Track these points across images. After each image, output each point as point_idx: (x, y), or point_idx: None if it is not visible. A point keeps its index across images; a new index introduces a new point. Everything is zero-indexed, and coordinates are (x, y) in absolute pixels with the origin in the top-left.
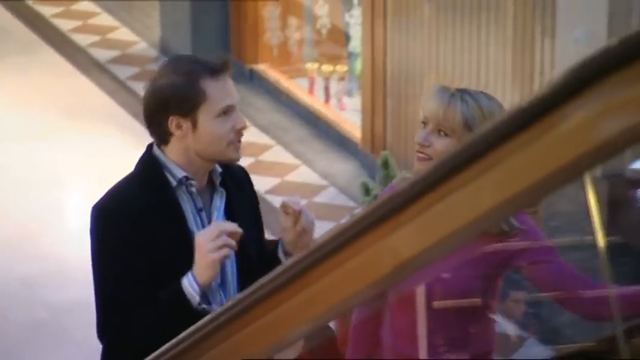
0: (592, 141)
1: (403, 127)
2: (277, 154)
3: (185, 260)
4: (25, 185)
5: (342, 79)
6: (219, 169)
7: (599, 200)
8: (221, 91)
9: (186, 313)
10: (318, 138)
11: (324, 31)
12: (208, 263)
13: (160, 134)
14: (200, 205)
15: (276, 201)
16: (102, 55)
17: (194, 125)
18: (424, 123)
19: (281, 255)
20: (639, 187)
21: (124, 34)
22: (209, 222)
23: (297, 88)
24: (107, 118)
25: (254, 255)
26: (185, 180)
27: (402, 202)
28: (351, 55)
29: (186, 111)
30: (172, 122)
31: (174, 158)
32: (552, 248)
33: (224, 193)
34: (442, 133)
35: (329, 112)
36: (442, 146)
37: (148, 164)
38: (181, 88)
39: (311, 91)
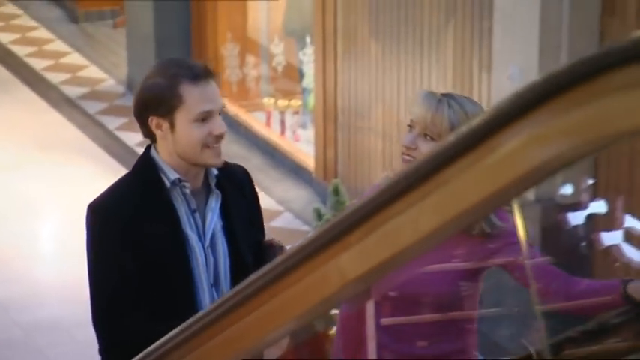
0: (523, 167)
1: (353, 157)
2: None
3: (177, 260)
4: (1, 213)
5: (296, 112)
6: (215, 172)
7: (534, 223)
8: (199, 96)
9: None
10: (275, 167)
11: (279, 68)
12: None
13: (145, 133)
14: (194, 206)
15: None
16: (73, 91)
17: (172, 127)
18: (410, 127)
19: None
20: (569, 211)
21: (93, 71)
22: (203, 223)
23: (254, 121)
24: (78, 151)
25: (248, 256)
26: (178, 182)
27: (348, 225)
28: (304, 91)
29: (164, 112)
30: (152, 122)
31: (166, 159)
32: (533, 246)
33: (220, 195)
34: (428, 137)
35: (284, 143)
36: (428, 150)
37: (144, 165)
38: (161, 90)
39: (268, 123)
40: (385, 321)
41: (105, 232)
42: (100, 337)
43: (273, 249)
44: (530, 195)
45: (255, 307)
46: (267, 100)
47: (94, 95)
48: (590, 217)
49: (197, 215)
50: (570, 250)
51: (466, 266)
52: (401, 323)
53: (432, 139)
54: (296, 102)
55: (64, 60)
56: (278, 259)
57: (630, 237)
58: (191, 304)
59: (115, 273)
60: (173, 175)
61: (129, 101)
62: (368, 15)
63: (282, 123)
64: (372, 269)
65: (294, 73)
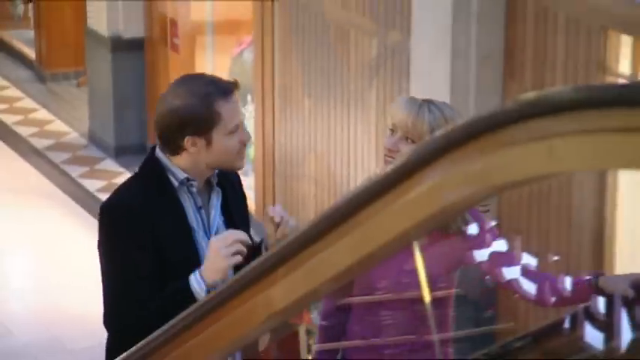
0: (430, 209)
1: (289, 201)
2: None
3: (185, 254)
4: None
5: None
6: (217, 170)
7: None
8: (232, 110)
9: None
10: None
11: None
12: (221, 267)
13: (173, 149)
14: (200, 203)
15: None
16: (40, 143)
17: (208, 143)
18: (392, 130)
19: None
20: (475, 248)
21: (58, 125)
22: (208, 218)
23: None
24: (45, 196)
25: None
26: (186, 181)
27: (274, 263)
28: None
29: (203, 132)
30: (188, 142)
31: (180, 164)
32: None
33: (220, 193)
34: (409, 140)
35: None
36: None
37: (151, 166)
38: (198, 111)
39: None
40: (366, 319)
41: (116, 229)
42: (109, 330)
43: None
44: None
45: (199, 332)
46: None
47: (59, 147)
48: (493, 254)
49: (202, 212)
50: (477, 284)
51: (445, 263)
52: (383, 322)
53: (413, 141)
54: None
55: (32, 115)
56: (215, 291)
57: (526, 272)
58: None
59: (126, 269)
60: (182, 175)
61: (90, 152)
62: (302, 76)
63: None
64: (295, 301)
65: None
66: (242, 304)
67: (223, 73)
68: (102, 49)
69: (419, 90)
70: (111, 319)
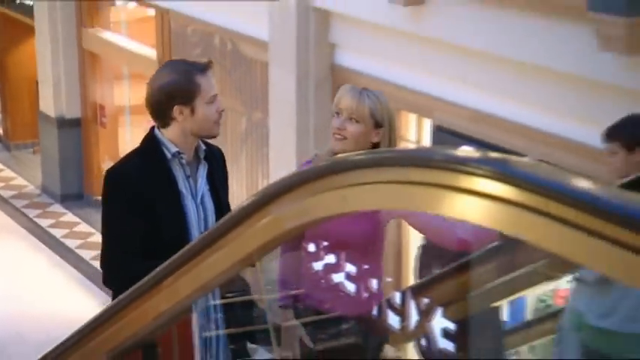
0: (277, 231)
1: None
2: None
3: (175, 213)
4: None
5: None
6: (204, 147)
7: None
8: (209, 83)
9: None
10: None
11: None
12: None
13: (164, 121)
14: (188, 173)
15: None
16: (6, 194)
17: (192, 111)
18: (337, 113)
19: None
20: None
21: (19, 181)
22: (195, 186)
23: None
24: (9, 232)
25: (226, 211)
26: (177, 154)
27: (160, 277)
28: None
29: (187, 100)
30: (176, 110)
31: (171, 137)
32: None
33: (206, 165)
34: (354, 120)
35: None
36: (354, 129)
37: (150, 141)
38: (182, 84)
39: None
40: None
41: (116, 192)
42: (106, 273)
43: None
44: None
45: (103, 332)
46: None
47: (20, 196)
48: None
49: (191, 180)
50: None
51: (375, 219)
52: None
53: (357, 121)
54: None
55: (1, 174)
56: (117, 299)
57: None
58: None
59: (122, 225)
60: (174, 149)
61: (43, 199)
62: None
63: None
64: (176, 304)
65: None
66: (136, 308)
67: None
68: (50, 126)
69: (276, 155)
70: (102, 260)
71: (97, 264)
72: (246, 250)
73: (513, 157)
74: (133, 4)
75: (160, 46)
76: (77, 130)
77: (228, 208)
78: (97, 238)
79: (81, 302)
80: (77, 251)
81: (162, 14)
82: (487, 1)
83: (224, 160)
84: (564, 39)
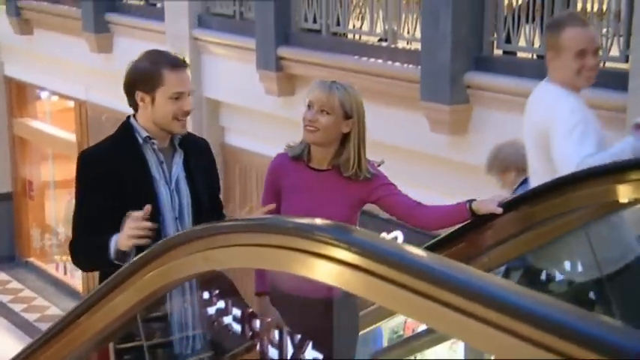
0: (164, 281)
1: None
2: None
3: (146, 197)
4: None
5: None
6: (179, 136)
7: None
8: (175, 79)
9: (105, 259)
10: (62, 290)
11: (62, 237)
12: (124, 243)
13: (131, 103)
14: (161, 159)
15: None
16: None
17: (152, 101)
18: (309, 106)
19: None
20: None
21: None
22: (169, 172)
23: (51, 268)
24: None
25: (205, 197)
26: (148, 139)
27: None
28: None
29: (147, 89)
30: (138, 95)
31: (142, 123)
32: (394, 185)
33: (182, 153)
34: (324, 112)
35: (68, 280)
36: (325, 121)
37: (124, 128)
38: (146, 72)
39: (57, 269)
40: None
41: (86, 174)
42: (70, 253)
43: None
44: None
45: (48, 349)
46: (58, 257)
47: None
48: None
49: (164, 166)
50: None
51: (352, 201)
52: None
53: (328, 113)
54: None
55: None
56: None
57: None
58: (158, 233)
59: (90, 206)
60: (144, 134)
61: None
62: None
63: (64, 267)
64: (92, 336)
65: None
66: (70, 332)
67: (61, 213)
68: None
69: None
70: (71, 242)
71: (27, 315)
72: (125, 307)
73: (354, 228)
74: (55, 97)
75: (78, 132)
76: (9, 202)
77: (218, 199)
78: (28, 293)
79: (11, 349)
80: (9, 305)
81: (80, 105)
82: None
83: (209, 151)
84: (403, 122)
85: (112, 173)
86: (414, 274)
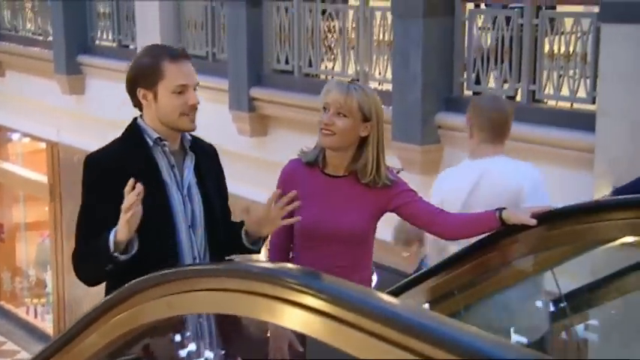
0: (134, 324)
1: None
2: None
3: (159, 203)
4: None
5: (43, 305)
6: (189, 137)
7: None
8: (177, 71)
9: (106, 256)
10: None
11: (33, 282)
12: (122, 227)
13: (135, 102)
14: (172, 162)
15: None
16: None
17: (155, 97)
18: (325, 108)
19: (243, 235)
20: None
21: None
22: (181, 176)
23: (21, 312)
24: None
25: (217, 204)
26: (159, 141)
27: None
28: (47, 294)
29: (149, 85)
30: (140, 93)
31: (150, 124)
32: (414, 191)
33: (194, 157)
34: (341, 114)
35: (38, 323)
36: (342, 124)
37: (131, 129)
38: (146, 67)
39: (27, 312)
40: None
41: (91, 178)
42: (72, 263)
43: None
44: None
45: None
46: (28, 300)
47: None
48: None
49: (176, 170)
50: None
51: (373, 209)
52: (320, 254)
53: (345, 115)
54: (43, 300)
55: None
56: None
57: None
58: (172, 243)
59: (95, 212)
60: (155, 135)
61: None
62: None
63: (35, 311)
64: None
65: (42, 284)
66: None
67: (32, 256)
68: None
69: None
70: (72, 252)
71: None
72: (92, 351)
73: (322, 274)
74: (27, 139)
75: (50, 173)
76: None
77: (227, 209)
78: None
79: None
80: None
81: (52, 146)
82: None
83: (217, 157)
84: None
85: (120, 177)
86: (382, 322)
